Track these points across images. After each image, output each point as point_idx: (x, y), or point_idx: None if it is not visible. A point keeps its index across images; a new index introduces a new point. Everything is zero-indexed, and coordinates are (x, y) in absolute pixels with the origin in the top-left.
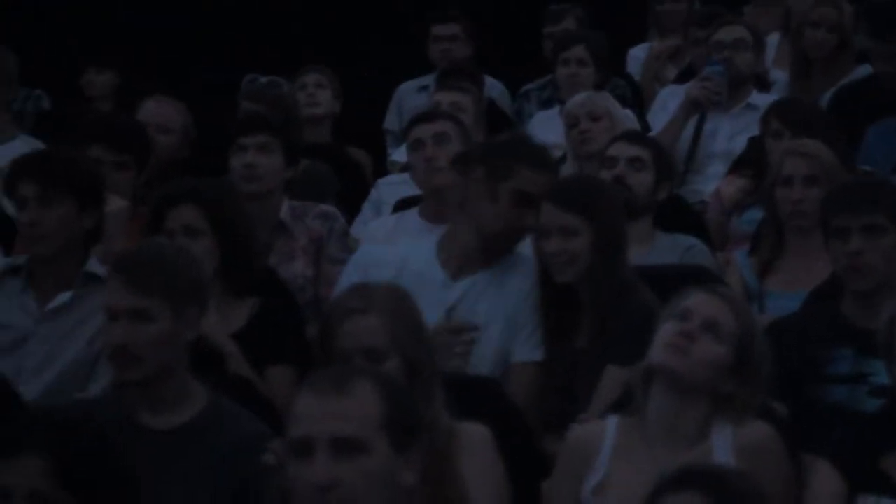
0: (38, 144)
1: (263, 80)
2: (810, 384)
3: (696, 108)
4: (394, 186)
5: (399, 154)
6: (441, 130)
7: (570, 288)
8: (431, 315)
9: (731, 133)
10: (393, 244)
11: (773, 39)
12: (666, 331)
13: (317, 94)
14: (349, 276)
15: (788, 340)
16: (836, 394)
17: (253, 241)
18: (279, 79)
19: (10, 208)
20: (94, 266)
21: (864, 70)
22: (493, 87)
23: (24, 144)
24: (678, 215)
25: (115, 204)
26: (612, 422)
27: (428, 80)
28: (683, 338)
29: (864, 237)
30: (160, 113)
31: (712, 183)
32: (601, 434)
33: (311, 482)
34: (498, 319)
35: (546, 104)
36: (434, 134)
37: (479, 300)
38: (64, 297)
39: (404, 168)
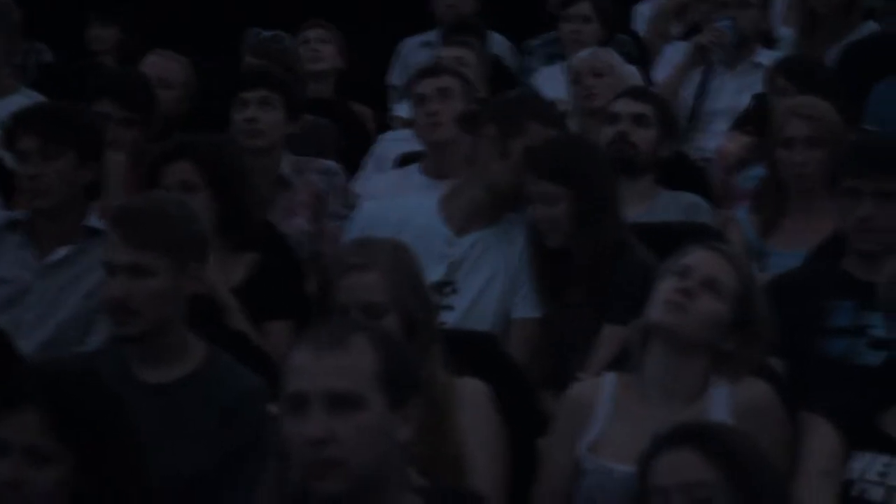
0: (39, 98)
1: (267, 34)
2: (810, 336)
3: (701, 56)
4: (396, 142)
5: (402, 109)
6: (445, 85)
7: (563, 249)
8: (434, 270)
9: (735, 90)
10: (394, 200)
11: None
12: (664, 288)
13: (320, 50)
14: (351, 234)
15: (788, 294)
16: (836, 345)
17: (251, 196)
18: (282, 33)
19: (10, 162)
20: (94, 220)
21: (870, 27)
22: (498, 43)
23: (25, 98)
24: (681, 172)
25: (112, 158)
26: (610, 379)
27: (432, 35)
28: (682, 295)
29: (875, 202)
30: (162, 67)
31: (716, 140)
32: (598, 391)
33: (305, 436)
34: (500, 276)
35: (551, 60)
36: (437, 89)
37: (482, 256)
38: (63, 250)
39: (407, 123)
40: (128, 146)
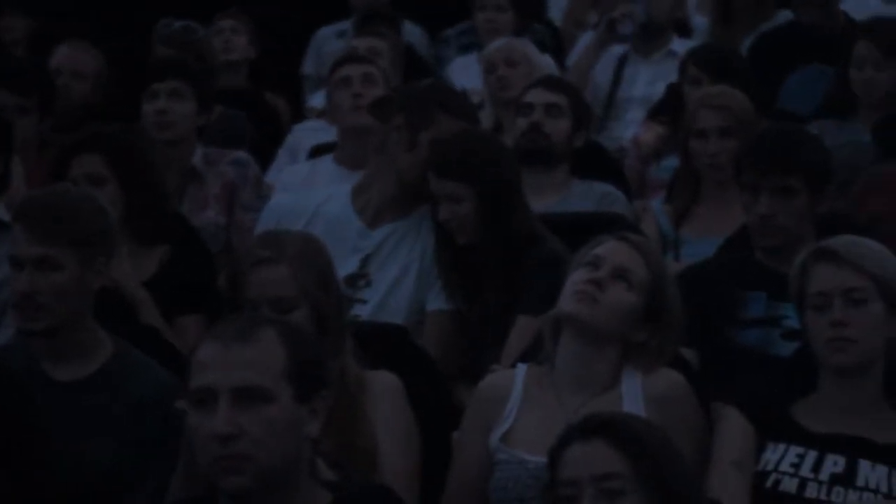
0: None
1: (178, 24)
2: (723, 327)
3: (611, 33)
4: (310, 132)
5: (316, 100)
6: (369, 71)
7: (472, 245)
8: (347, 263)
9: (650, 79)
10: (307, 191)
11: None
12: (575, 279)
13: (232, 40)
14: (263, 227)
15: (701, 285)
16: (750, 336)
17: (161, 188)
18: (194, 24)
19: None
20: (2, 213)
21: (785, 16)
22: (412, 33)
23: None
24: (596, 162)
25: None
26: (521, 370)
27: (346, 25)
28: (592, 285)
29: (774, 199)
30: (74, 58)
31: (631, 129)
32: (510, 383)
33: (212, 432)
34: (414, 268)
35: (465, 50)
36: (363, 74)
37: (396, 249)
38: None
39: (321, 114)
40: (24, 134)
